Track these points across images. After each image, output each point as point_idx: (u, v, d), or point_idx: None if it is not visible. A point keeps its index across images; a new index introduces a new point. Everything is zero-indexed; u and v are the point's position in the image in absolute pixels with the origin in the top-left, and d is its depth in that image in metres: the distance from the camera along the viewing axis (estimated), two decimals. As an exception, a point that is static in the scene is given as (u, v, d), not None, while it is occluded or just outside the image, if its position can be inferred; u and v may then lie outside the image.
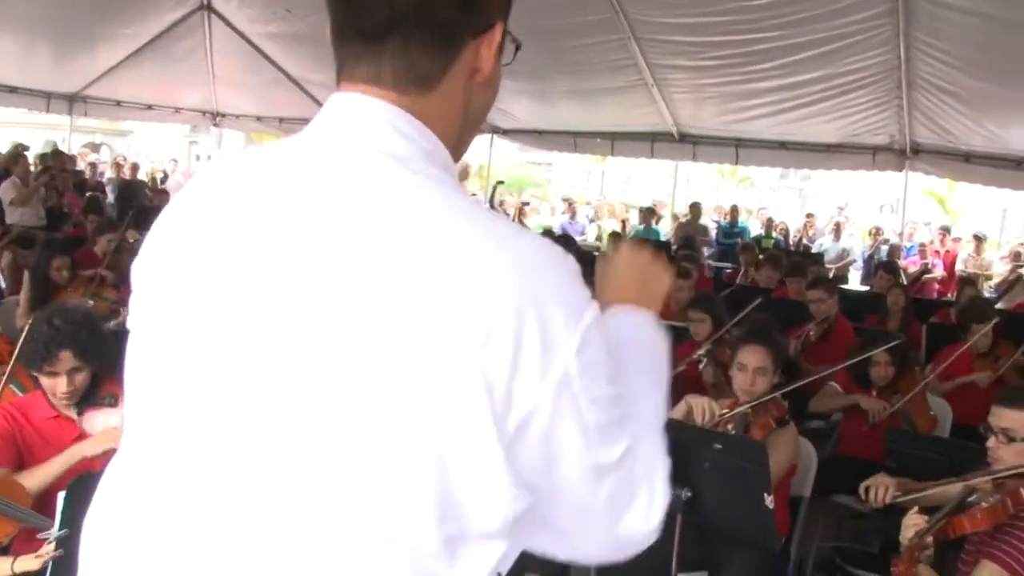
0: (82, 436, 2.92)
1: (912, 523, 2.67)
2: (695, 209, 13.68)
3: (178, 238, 1.01)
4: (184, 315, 0.97)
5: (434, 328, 0.86)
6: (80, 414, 2.99)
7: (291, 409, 0.90)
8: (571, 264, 0.95)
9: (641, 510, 1.00)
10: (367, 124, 0.98)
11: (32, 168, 10.98)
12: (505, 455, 0.89)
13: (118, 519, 1.00)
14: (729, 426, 3.30)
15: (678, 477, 2.76)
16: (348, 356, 0.88)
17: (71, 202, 10.88)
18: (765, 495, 2.66)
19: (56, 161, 12.05)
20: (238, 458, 0.92)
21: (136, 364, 1.03)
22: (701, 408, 3.27)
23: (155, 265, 1.02)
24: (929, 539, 2.62)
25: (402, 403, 0.87)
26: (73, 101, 14.79)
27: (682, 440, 2.85)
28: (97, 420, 2.96)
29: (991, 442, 2.87)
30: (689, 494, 2.79)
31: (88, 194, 11.46)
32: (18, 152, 10.75)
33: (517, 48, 1.10)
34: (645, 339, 1.19)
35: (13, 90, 13.75)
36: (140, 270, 1.04)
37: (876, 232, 12.85)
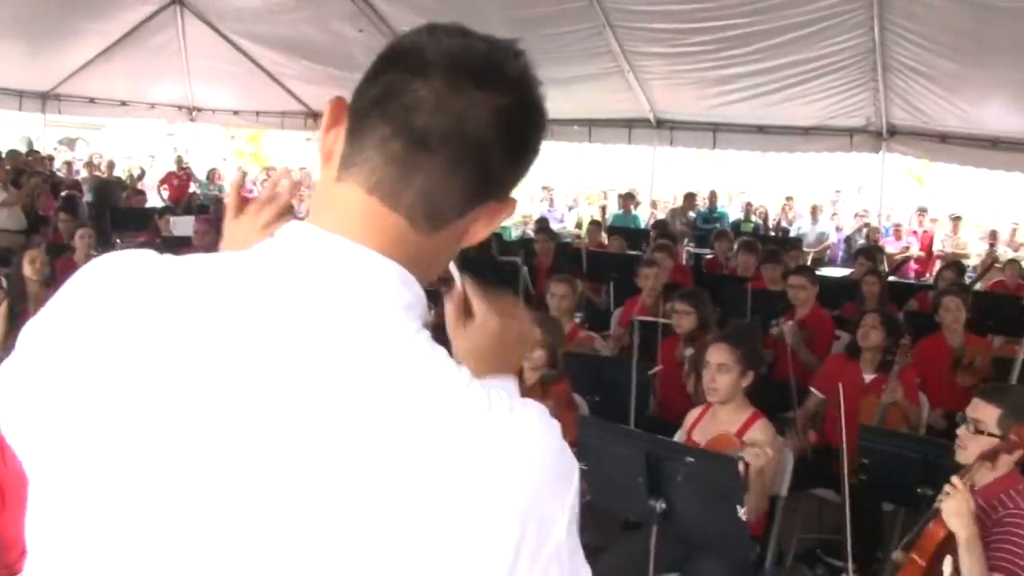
0: None
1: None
2: (689, 199, 13.60)
3: (121, 356, 0.81)
4: (137, 453, 0.78)
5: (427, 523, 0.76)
6: None
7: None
8: (556, 430, 0.85)
9: None
10: (366, 267, 0.83)
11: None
12: None
13: None
14: None
15: (653, 489, 2.81)
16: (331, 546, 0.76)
17: (46, 205, 10.58)
18: (738, 507, 2.68)
19: (27, 162, 11.86)
20: None
21: (53, 502, 0.83)
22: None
23: (75, 385, 0.82)
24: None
25: None
26: (46, 99, 14.63)
27: (656, 453, 2.87)
28: None
29: (961, 430, 2.94)
30: (664, 506, 2.82)
31: (64, 193, 11.14)
32: None
33: None
34: None
35: (-16, 90, 13.61)
36: (40, 388, 0.84)
37: (860, 215, 12.88)
